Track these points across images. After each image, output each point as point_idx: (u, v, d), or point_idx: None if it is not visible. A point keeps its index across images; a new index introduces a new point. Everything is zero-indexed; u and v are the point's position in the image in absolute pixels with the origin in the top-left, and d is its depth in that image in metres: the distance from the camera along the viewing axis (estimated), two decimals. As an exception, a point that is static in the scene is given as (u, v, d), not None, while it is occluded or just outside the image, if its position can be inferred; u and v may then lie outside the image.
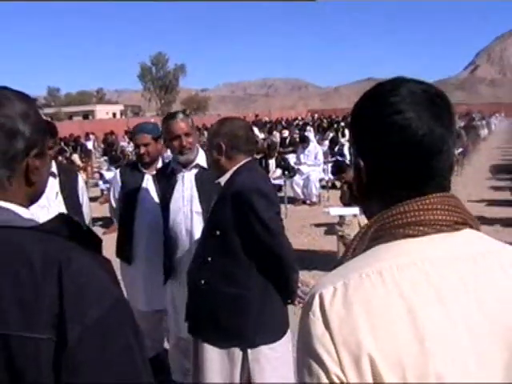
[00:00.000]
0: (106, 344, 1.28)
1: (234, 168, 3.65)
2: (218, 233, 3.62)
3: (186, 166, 4.51)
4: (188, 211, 4.49)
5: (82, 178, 5.02)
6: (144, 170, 5.08)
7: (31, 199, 1.55)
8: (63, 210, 4.08)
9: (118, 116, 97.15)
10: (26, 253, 1.30)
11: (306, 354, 1.22)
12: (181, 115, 4.55)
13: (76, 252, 1.35)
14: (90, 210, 5.02)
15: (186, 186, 4.50)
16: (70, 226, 1.43)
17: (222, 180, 3.68)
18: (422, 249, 1.24)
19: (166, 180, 4.58)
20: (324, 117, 56.95)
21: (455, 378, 1.15)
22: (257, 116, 58.39)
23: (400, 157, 1.30)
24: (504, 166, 21.47)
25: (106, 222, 12.48)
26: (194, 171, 4.53)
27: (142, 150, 4.99)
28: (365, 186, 1.39)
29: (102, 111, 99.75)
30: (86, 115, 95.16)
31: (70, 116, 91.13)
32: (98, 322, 1.27)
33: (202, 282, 3.70)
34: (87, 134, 35.49)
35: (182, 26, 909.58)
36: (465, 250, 1.27)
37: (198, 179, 4.50)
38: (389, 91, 1.35)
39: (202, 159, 4.55)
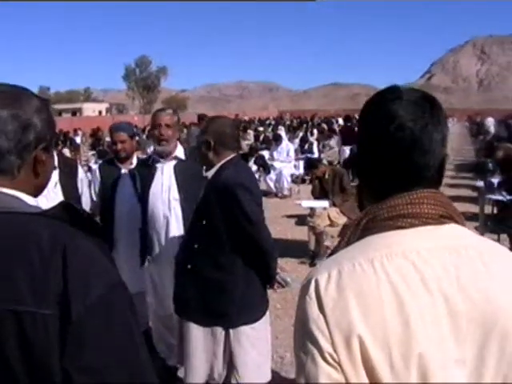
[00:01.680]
0: (107, 321, 1.30)
1: (221, 163, 3.70)
2: (204, 222, 3.67)
3: (164, 157, 4.62)
4: (166, 198, 4.60)
5: (81, 170, 5.04)
6: (120, 165, 5.18)
7: (36, 190, 1.57)
8: (61, 198, 4.06)
9: (104, 113, 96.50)
10: (34, 236, 1.33)
11: (302, 334, 1.26)
12: (170, 110, 4.70)
13: (79, 236, 1.38)
14: (89, 200, 5.02)
15: (165, 176, 4.62)
16: (72, 212, 1.46)
17: (210, 174, 3.75)
18: (409, 240, 1.28)
19: (147, 169, 4.68)
20: (294, 117, 57.07)
21: (435, 355, 1.20)
22: (236, 115, 58.68)
23: (395, 155, 1.35)
24: (465, 166, 21.73)
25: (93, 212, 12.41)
26: (173, 162, 4.66)
27: (119, 146, 5.12)
28: (363, 184, 1.47)
29: (89, 109, 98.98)
30: (74, 112, 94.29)
31: (60, 113, 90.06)
32: (99, 300, 1.29)
33: (189, 266, 3.75)
34: (75, 130, 35.34)
35: (164, 31, 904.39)
36: (449, 242, 1.30)
37: (177, 169, 4.64)
38: (388, 98, 1.40)
39: (180, 152, 4.70)
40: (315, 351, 1.21)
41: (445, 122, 1.41)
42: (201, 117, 15.87)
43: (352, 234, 1.36)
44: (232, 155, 3.76)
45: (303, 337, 1.25)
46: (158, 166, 4.67)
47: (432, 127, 1.36)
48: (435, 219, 1.31)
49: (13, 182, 1.45)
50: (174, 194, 4.61)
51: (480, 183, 6.10)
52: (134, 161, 5.21)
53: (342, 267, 1.26)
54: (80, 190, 4.74)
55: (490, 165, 10.45)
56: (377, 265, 1.24)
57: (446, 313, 1.22)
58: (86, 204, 4.87)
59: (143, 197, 4.68)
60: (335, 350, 1.20)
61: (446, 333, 1.22)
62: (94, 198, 5.35)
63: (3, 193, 1.42)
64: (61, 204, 1.47)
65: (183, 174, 4.63)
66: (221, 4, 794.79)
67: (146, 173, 4.71)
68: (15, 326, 1.25)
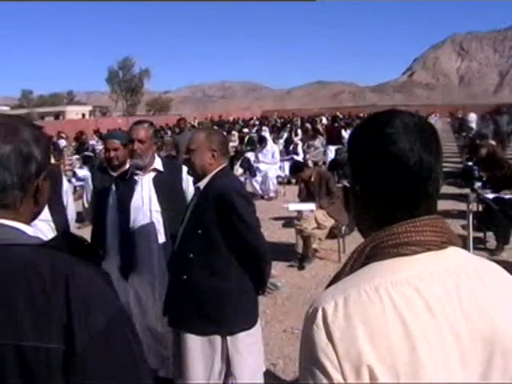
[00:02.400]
0: (111, 350, 1.30)
1: (214, 172, 3.79)
2: (199, 231, 3.71)
3: (142, 169, 4.62)
4: (147, 210, 4.59)
5: (66, 181, 4.91)
6: (113, 173, 5.11)
7: (35, 216, 1.58)
8: (47, 212, 3.98)
9: (88, 116, 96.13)
10: (35, 268, 1.31)
11: (311, 363, 1.25)
12: (145, 124, 4.70)
13: (80, 266, 1.37)
14: (74, 213, 4.91)
15: (145, 188, 4.61)
16: (72, 241, 1.44)
17: (202, 184, 3.80)
18: (413, 266, 1.29)
19: (125, 182, 4.66)
20: (278, 117, 57.14)
21: (442, 381, 1.21)
22: (220, 116, 59.14)
23: (393, 183, 1.36)
24: (451, 173, 21.89)
25: (80, 218, 12.30)
26: (152, 174, 4.65)
27: (112, 153, 5.08)
28: (361, 208, 1.46)
29: (73, 112, 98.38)
30: (57, 115, 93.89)
31: (42, 116, 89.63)
32: (103, 331, 1.28)
33: (184, 276, 3.76)
34: (59, 134, 35.03)
35: (147, 33, 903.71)
36: (449, 264, 1.34)
37: (156, 181, 4.63)
38: (384, 123, 1.40)
39: (158, 164, 4.70)
40: (324, 380, 1.21)
41: (441, 148, 1.43)
42: (180, 120, 15.83)
43: (356, 260, 1.37)
44: (224, 164, 3.87)
45: (311, 365, 1.25)
46: (137, 178, 4.66)
47: (434, 156, 1.37)
48: (437, 245, 1.33)
49: (16, 213, 1.46)
50: (155, 206, 4.61)
51: (467, 190, 6.20)
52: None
53: (348, 295, 1.26)
54: (65, 202, 4.61)
55: (477, 172, 10.53)
56: (382, 292, 1.25)
57: (450, 336, 1.24)
58: (72, 216, 4.74)
59: (123, 210, 4.66)
60: (345, 379, 1.20)
61: (451, 356, 1.23)
62: (86, 205, 5.30)
63: (5, 225, 1.41)
64: (61, 234, 1.49)
65: (162, 186, 4.64)
66: (203, 4, 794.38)
67: (123, 185, 4.70)
68: (17, 360, 1.24)
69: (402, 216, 1.35)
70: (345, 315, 1.23)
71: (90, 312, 1.29)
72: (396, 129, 1.36)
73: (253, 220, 3.78)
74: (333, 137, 19.51)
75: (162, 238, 4.58)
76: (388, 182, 1.36)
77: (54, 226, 4.09)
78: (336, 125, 21.31)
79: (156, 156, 4.78)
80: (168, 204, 4.53)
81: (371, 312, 1.23)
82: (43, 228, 3.89)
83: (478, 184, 9.68)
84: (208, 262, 3.74)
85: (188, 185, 4.60)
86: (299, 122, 37.72)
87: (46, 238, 4.17)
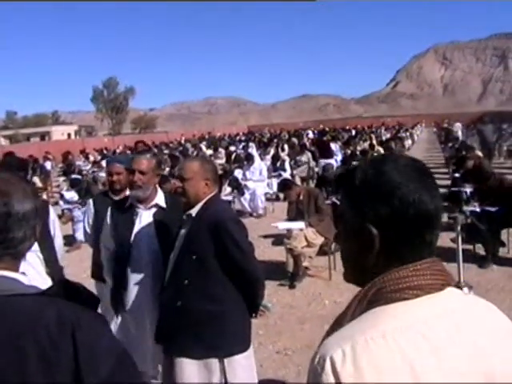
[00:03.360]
0: None
1: (205, 199, 3.85)
2: (194, 257, 3.74)
3: (143, 202, 4.44)
4: (145, 247, 4.37)
5: (52, 210, 4.72)
6: (114, 197, 5.08)
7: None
8: (35, 243, 3.92)
9: (73, 136, 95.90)
10: (41, 317, 1.35)
11: None
12: (148, 155, 4.51)
13: (83, 313, 1.42)
14: (62, 241, 4.83)
15: (144, 224, 4.41)
16: (70, 289, 1.48)
17: (194, 211, 3.84)
18: (416, 311, 1.31)
19: (123, 213, 4.49)
20: (264, 132, 57.31)
21: None
22: (209, 133, 59.83)
23: (413, 228, 1.37)
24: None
25: (68, 241, 12.28)
26: (153, 210, 4.47)
27: (114, 177, 5.12)
28: (372, 255, 1.41)
29: (58, 132, 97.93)
30: (42, 136, 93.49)
31: (28, 137, 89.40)
32: (109, 375, 1.33)
33: (179, 303, 3.78)
34: (45, 155, 34.84)
35: (131, 51, 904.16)
36: (449, 307, 1.35)
37: (157, 219, 4.44)
38: (396, 168, 1.40)
39: (160, 199, 4.50)
40: None
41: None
42: (137, 142, 15.80)
43: (357, 306, 1.37)
44: (215, 192, 3.96)
45: None
46: (138, 211, 4.46)
47: (438, 198, 1.41)
48: (436, 288, 1.36)
49: (13, 263, 1.52)
50: (155, 244, 4.37)
51: (455, 213, 6.27)
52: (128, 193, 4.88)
53: (355, 342, 1.26)
54: (52, 232, 4.52)
55: (465, 194, 10.61)
56: (389, 338, 1.26)
57: (455, 375, 1.26)
58: (59, 246, 4.61)
59: (121, 242, 4.42)
60: None
61: None
62: (88, 229, 5.29)
63: (4, 276, 1.45)
64: (58, 282, 1.52)
65: (163, 224, 4.40)
66: (184, 20, 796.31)
67: (119, 216, 4.51)
68: None
69: (408, 259, 1.37)
70: (354, 364, 1.23)
71: (96, 358, 1.33)
72: (409, 175, 1.39)
73: (247, 246, 3.85)
74: (322, 151, 19.61)
75: (159, 278, 4.24)
76: (409, 226, 1.36)
77: (41, 256, 4.00)
78: (324, 139, 21.44)
79: (159, 190, 4.59)
80: (166, 246, 4.24)
81: (379, 358, 1.23)
82: (31, 259, 3.76)
83: (466, 208, 9.73)
84: (203, 288, 3.77)
85: None
86: (286, 137, 37.83)
87: (34, 270, 4.08)
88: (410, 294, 1.33)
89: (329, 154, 19.37)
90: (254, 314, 4.06)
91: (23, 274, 1.54)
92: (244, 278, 3.81)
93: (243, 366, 3.86)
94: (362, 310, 1.35)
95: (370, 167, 1.46)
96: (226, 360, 3.78)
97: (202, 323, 3.77)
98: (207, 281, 3.76)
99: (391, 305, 1.32)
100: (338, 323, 1.39)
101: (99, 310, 1.70)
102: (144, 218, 4.43)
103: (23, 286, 1.45)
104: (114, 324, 4.51)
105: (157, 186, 4.57)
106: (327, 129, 50.15)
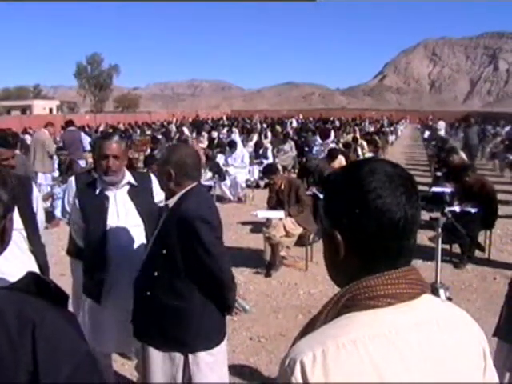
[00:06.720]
0: None
1: (182, 192, 3.72)
2: (164, 251, 3.67)
3: (114, 184, 4.45)
4: (125, 225, 4.39)
5: (35, 187, 4.65)
6: (95, 174, 4.97)
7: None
8: (19, 221, 3.92)
9: (55, 111, 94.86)
10: (1, 315, 1.30)
11: None
12: (116, 137, 4.50)
13: (47, 311, 1.36)
14: (43, 217, 4.85)
15: (120, 203, 4.43)
16: (38, 284, 1.43)
17: (171, 202, 3.74)
18: (388, 319, 1.35)
19: (93, 199, 4.46)
20: (247, 117, 57.20)
21: None
22: (197, 116, 59.67)
23: (378, 237, 1.39)
24: (421, 197, 22.37)
25: (47, 217, 12.24)
26: (126, 188, 4.50)
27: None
28: (339, 257, 1.44)
29: (39, 106, 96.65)
30: (24, 110, 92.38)
31: (9, 110, 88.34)
32: (69, 377, 1.28)
33: (148, 293, 3.75)
34: (25, 129, 34.54)
35: (117, 29, 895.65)
36: (422, 317, 1.38)
37: (132, 195, 4.47)
38: (368, 174, 1.41)
39: (130, 177, 4.53)
40: None
41: (419, 196, 1.47)
42: (67, 122, 15.69)
43: (331, 310, 1.40)
44: (193, 184, 3.77)
45: None
46: (109, 194, 4.45)
47: (416, 208, 1.42)
48: (410, 297, 1.39)
49: None
50: (136, 220, 4.41)
51: (437, 214, 6.29)
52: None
53: (326, 347, 1.29)
54: (35, 209, 4.53)
55: (448, 196, 10.74)
56: (359, 345, 1.29)
57: (421, 381, 1.31)
58: (42, 222, 4.60)
59: (94, 229, 4.41)
60: None
61: None
62: (68, 208, 5.21)
63: None
64: (27, 276, 1.45)
65: (140, 199, 4.48)
66: (173, 3, 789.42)
67: (91, 201, 4.47)
68: None
69: (381, 267, 1.39)
70: (323, 369, 1.27)
71: (56, 360, 1.28)
72: (381, 182, 1.39)
73: (216, 248, 3.68)
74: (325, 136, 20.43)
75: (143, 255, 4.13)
76: (373, 235, 1.38)
77: (25, 234, 4.02)
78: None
79: (125, 169, 4.58)
80: (147, 217, 4.34)
81: (349, 365, 1.27)
82: (15, 237, 3.79)
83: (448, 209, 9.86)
84: (171, 282, 3.69)
85: (160, 198, 4.47)
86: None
87: (18, 248, 4.06)
88: (383, 302, 1.35)
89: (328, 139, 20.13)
90: (227, 313, 3.95)
91: None
92: (212, 282, 3.69)
93: (208, 362, 3.80)
94: (335, 315, 1.38)
95: (342, 173, 1.51)
96: (190, 355, 3.77)
97: (167, 317, 3.72)
98: (175, 277, 3.67)
99: (364, 311, 1.35)
100: (311, 325, 1.42)
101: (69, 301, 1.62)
102: (118, 197, 4.44)
103: None
104: (89, 303, 4.49)
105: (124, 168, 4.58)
106: (311, 119, 50.26)
